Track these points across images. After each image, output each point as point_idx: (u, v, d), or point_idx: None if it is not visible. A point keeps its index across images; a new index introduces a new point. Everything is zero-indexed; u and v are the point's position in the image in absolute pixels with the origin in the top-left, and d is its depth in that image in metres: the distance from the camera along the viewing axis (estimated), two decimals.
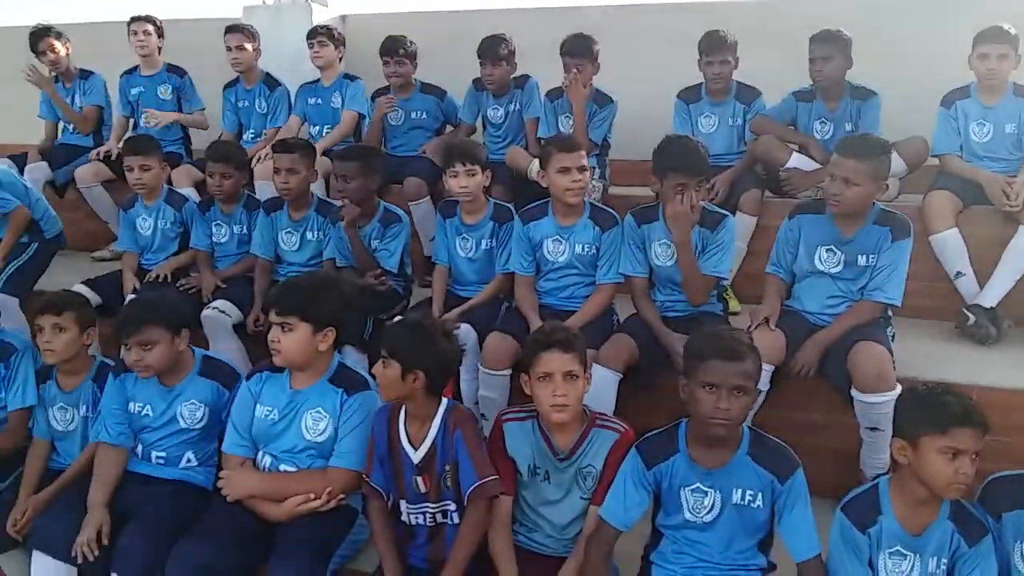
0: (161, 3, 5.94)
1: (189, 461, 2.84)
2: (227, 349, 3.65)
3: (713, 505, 2.25)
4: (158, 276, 4.07)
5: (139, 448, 2.88)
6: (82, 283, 4.03)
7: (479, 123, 4.92)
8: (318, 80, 5.11)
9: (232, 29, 5.16)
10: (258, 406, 2.66)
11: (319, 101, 5.10)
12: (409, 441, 2.42)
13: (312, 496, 2.51)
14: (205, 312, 3.71)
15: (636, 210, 3.32)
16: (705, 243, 3.16)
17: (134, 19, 5.27)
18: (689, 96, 4.47)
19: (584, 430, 2.40)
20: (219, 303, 3.74)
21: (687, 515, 2.27)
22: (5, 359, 3.15)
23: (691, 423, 2.27)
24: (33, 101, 5.54)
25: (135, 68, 5.42)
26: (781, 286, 3.25)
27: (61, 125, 5.57)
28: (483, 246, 3.66)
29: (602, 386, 3.00)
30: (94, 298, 3.95)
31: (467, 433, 2.34)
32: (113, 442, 2.84)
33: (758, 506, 2.22)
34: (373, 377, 2.50)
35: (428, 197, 4.51)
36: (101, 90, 5.49)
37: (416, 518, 2.44)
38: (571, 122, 4.55)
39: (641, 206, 3.35)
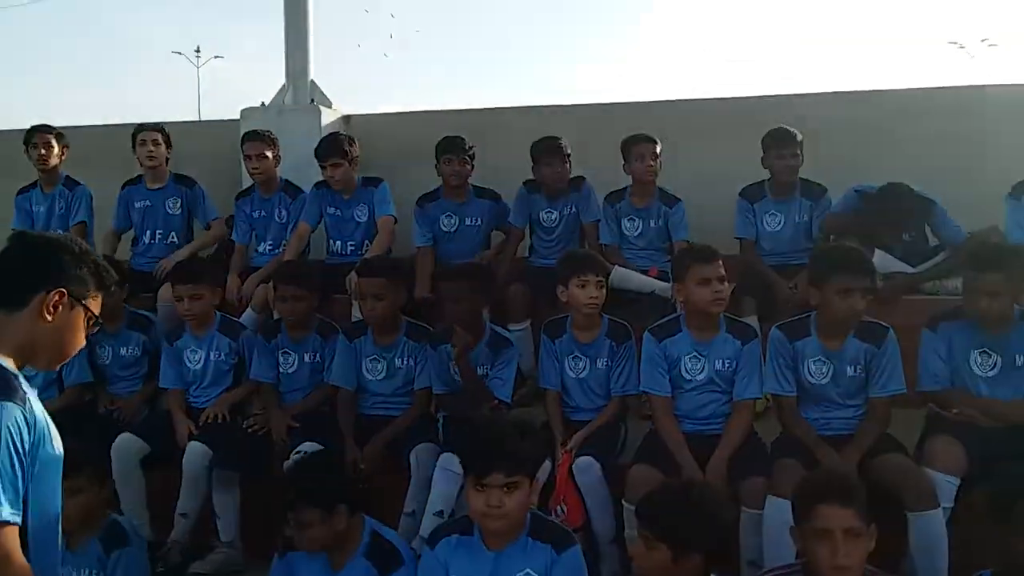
0: (150, 109, 5.52)
1: None
2: None
3: None
4: (216, 416, 3.61)
5: None
6: (129, 432, 3.52)
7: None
8: (334, 189, 4.72)
9: (251, 137, 4.81)
10: None
11: (339, 212, 4.77)
12: None
13: None
14: (292, 458, 3.26)
15: (783, 324, 3.17)
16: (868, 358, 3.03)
17: (142, 127, 4.84)
18: (752, 194, 4.43)
19: None
20: (306, 446, 3.31)
21: None
22: None
23: None
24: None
25: (139, 179, 4.96)
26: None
27: None
28: (599, 366, 3.43)
29: (783, 523, 2.77)
30: (143, 447, 3.48)
31: None
32: None
33: None
34: None
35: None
36: (87, 204, 5.00)
37: None
38: (636, 225, 4.47)
39: (790, 320, 3.20)
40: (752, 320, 3.78)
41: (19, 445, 1.53)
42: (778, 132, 4.28)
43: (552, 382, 3.47)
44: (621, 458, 3.32)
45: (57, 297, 1.64)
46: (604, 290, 3.40)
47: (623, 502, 3.00)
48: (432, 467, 3.18)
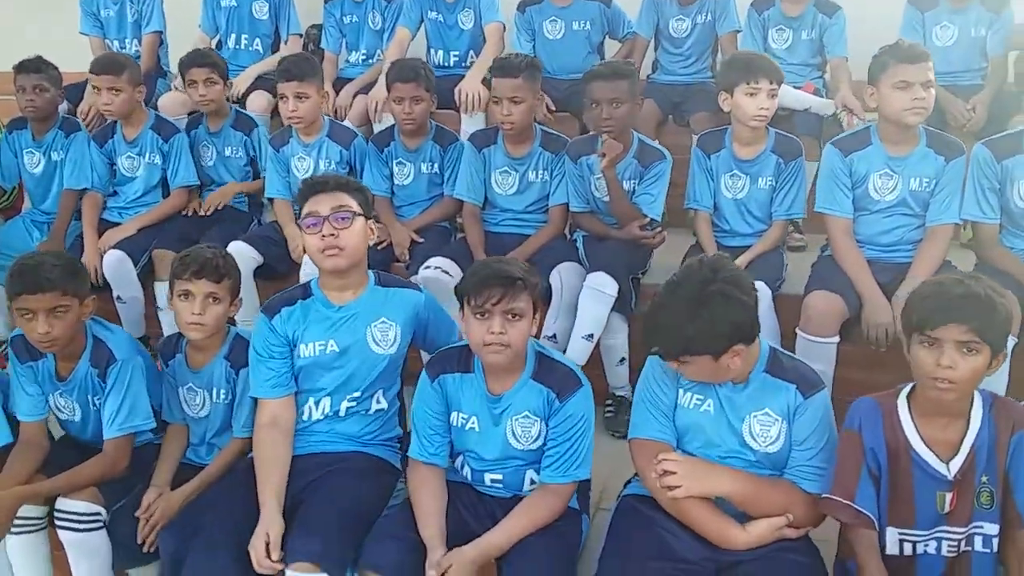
0: None
1: (533, 483, 2.11)
2: None
3: None
4: None
5: (466, 470, 2.17)
6: (240, 239, 3.25)
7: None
8: None
9: None
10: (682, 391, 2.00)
11: (441, 17, 4.28)
12: (928, 447, 1.81)
13: (788, 519, 1.89)
14: (422, 273, 2.99)
15: (991, 141, 2.73)
16: None
17: None
18: (924, 2, 3.83)
19: None
20: (438, 261, 3.01)
21: None
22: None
23: None
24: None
25: None
26: None
27: (114, 44, 4.60)
28: (761, 185, 3.04)
29: None
30: (256, 257, 3.24)
31: None
32: (430, 461, 2.11)
33: None
34: None
35: None
36: (159, 10, 4.54)
37: (925, 547, 1.85)
38: (785, 37, 3.94)
39: (999, 135, 2.76)
40: None
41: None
42: None
43: (704, 202, 3.09)
44: (781, 290, 3.00)
45: None
46: (775, 100, 2.96)
47: (798, 332, 2.70)
48: (579, 288, 2.88)
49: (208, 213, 3.51)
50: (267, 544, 1.96)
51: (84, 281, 2.32)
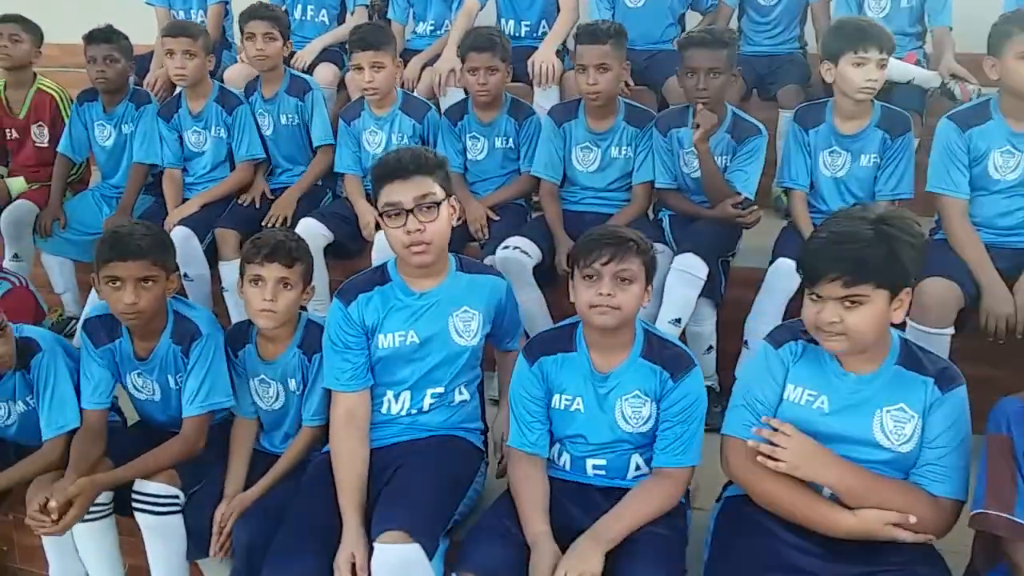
0: None
1: (638, 469, 2.01)
2: (526, 301, 2.79)
3: None
4: None
5: (564, 459, 2.05)
6: (312, 216, 3.15)
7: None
8: None
9: None
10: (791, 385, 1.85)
11: None
12: None
13: (911, 520, 1.71)
14: (500, 253, 2.85)
15: None
16: None
17: None
18: None
19: None
20: (516, 241, 2.87)
21: None
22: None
23: None
24: None
25: None
26: None
27: (179, 14, 4.51)
28: (864, 163, 2.82)
29: None
30: (327, 235, 3.13)
31: None
32: (532, 451, 1.99)
33: None
34: None
35: None
36: None
37: None
38: (882, 6, 3.69)
39: None
40: None
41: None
42: None
43: (801, 180, 2.89)
44: None
45: None
46: (884, 71, 2.74)
47: (909, 322, 2.49)
48: (665, 270, 2.72)
49: (272, 225, 3.23)
50: (353, 565, 1.86)
51: (172, 254, 2.26)
